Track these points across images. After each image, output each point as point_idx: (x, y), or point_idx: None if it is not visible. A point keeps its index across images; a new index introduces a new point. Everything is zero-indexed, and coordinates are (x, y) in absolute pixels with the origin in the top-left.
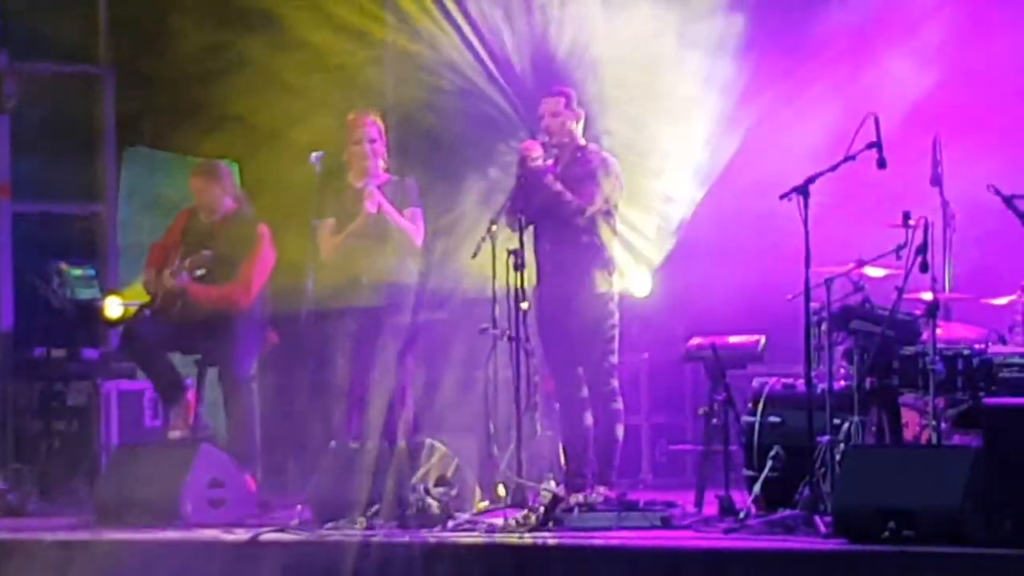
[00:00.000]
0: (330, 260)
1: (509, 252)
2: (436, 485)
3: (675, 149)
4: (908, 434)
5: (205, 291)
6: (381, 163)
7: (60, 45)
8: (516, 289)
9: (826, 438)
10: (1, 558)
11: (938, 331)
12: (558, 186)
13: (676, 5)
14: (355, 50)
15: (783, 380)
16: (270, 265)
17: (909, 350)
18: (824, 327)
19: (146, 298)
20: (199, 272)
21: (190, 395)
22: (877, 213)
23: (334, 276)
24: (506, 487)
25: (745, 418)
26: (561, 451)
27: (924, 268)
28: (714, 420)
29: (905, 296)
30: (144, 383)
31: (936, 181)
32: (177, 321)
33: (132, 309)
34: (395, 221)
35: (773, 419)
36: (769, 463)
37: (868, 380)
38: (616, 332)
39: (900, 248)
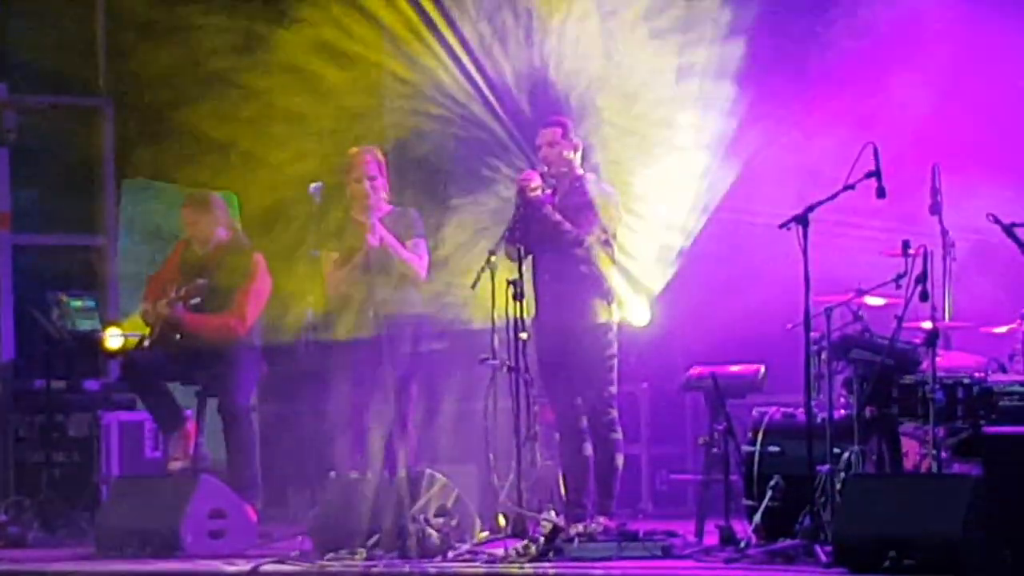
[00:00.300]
0: (333, 293)
1: (508, 282)
2: (436, 515)
3: (674, 178)
4: (908, 463)
5: (201, 320)
6: (383, 196)
7: (59, 77)
8: (515, 319)
9: (826, 467)
10: None
11: (938, 360)
12: (556, 216)
13: (676, 33)
14: (352, 77)
15: (783, 409)
16: (266, 294)
17: (909, 379)
18: (824, 356)
19: (145, 329)
20: (194, 301)
21: (190, 426)
22: (876, 242)
23: (336, 308)
24: (506, 517)
25: (745, 448)
26: (561, 481)
27: (924, 297)
28: (714, 449)
29: (905, 325)
30: (144, 414)
31: (935, 210)
32: (176, 351)
33: (132, 340)
34: (398, 253)
35: (773, 448)
36: (769, 492)
37: (868, 409)
38: (615, 362)
39: (900, 277)
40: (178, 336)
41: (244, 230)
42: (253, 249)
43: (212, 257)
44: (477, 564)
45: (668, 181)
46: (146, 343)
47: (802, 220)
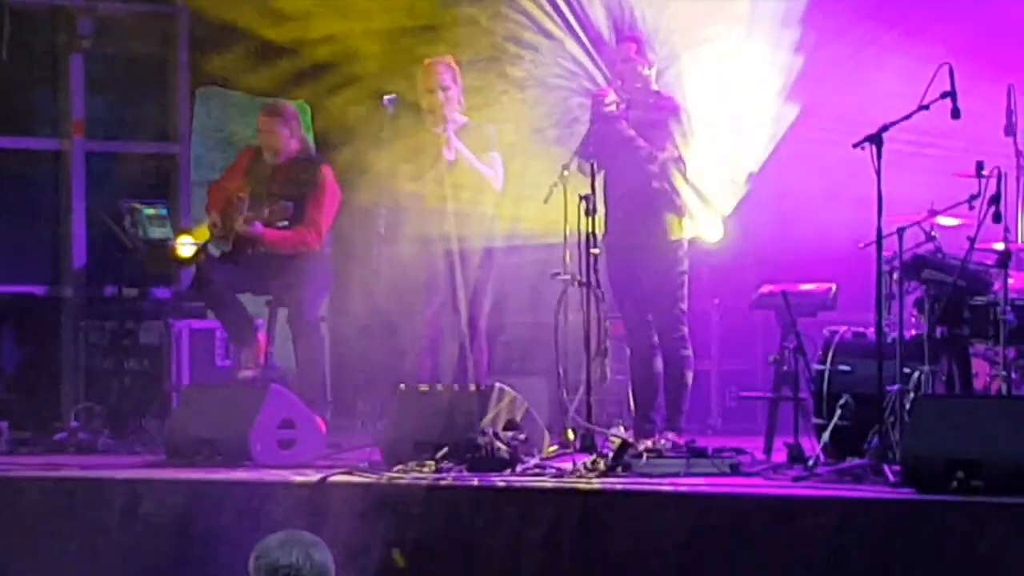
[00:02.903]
0: (407, 204)
1: (580, 197)
2: (506, 429)
3: (748, 98)
4: (978, 384)
5: (279, 236)
6: (457, 108)
7: None
8: (587, 234)
9: (896, 387)
10: (71, 495)
11: (1010, 281)
12: (630, 132)
13: None
14: None
15: (853, 329)
16: (336, 206)
17: (980, 300)
18: (895, 276)
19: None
20: (281, 224)
21: (260, 335)
22: (950, 163)
23: (410, 220)
24: (575, 432)
25: (815, 366)
26: (630, 396)
27: (997, 218)
28: (784, 367)
29: (977, 246)
30: (215, 323)
31: (1010, 131)
32: (248, 264)
33: (202, 248)
34: (473, 166)
35: (843, 368)
36: (838, 412)
37: (939, 330)
38: (686, 279)
39: (973, 198)
40: (249, 251)
41: (318, 140)
42: (321, 161)
43: (283, 168)
44: (545, 478)
45: (741, 101)
46: (215, 251)
47: (876, 139)
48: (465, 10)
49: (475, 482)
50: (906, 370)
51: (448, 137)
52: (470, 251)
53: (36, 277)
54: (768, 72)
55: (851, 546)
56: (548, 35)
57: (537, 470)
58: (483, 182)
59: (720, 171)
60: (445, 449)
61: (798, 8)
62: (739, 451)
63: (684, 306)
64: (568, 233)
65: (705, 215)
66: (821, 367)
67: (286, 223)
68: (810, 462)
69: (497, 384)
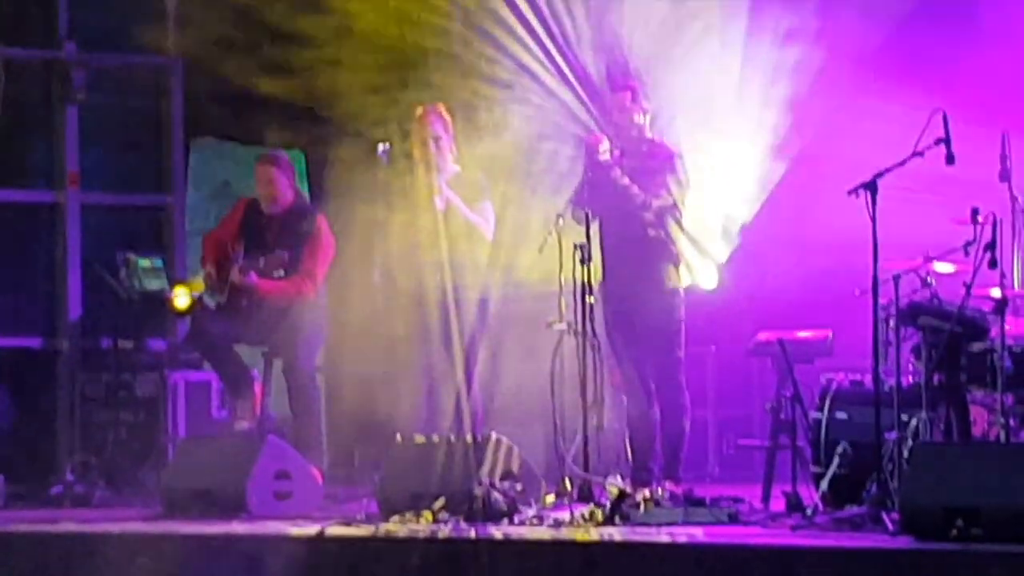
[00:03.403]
0: (400, 256)
1: (575, 246)
2: (502, 479)
3: (742, 144)
4: (976, 431)
5: (275, 286)
6: (450, 157)
7: (128, 37)
8: (583, 283)
9: (894, 435)
10: (69, 549)
11: (1007, 327)
12: (625, 180)
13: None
14: (421, 41)
15: (851, 376)
16: (331, 256)
17: (977, 346)
18: (892, 323)
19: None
20: (277, 273)
21: (256, 386)
22: (945, 209)
23: (403, 269)
24: (572, 481)
25: (812, 414)
26: (628, 445)
27: (993, 264)
28: (781, 415)
29: (974, 292)
30: (211, 374)
31: (1005, 176)
32: (242, 315)
33: (198, 299)
34: (465, 216)
35: (840, 415)
36: (836, 459)
37: (936, 376)
38: (683, 326)
39: (968, 244)
40: (244, 302)
41: (311, 189)
42: (316, 211)
43: (278, 219)
44: (543, 528)
45: (736, 148)
46: (211, 305)
47: (871, 187)
48: (459, 58)
49: (472, 533)
50: (904, 417)
51: (439, 187)
52: (465, 301)
53: (32, 330)
54: (759, 126)
55: None
56: (541, 83)
57: (535, 520)
58: (475, 232)
59: (714, 221)
60: (442, 500)
61: (789, 60)
62: (737, 500)
63: (681, 354)
64: (563, 282)
65: (701, 262)
66: (818, 415)
67: (282, 272)
68: (808, 511)
69: (493, 434)
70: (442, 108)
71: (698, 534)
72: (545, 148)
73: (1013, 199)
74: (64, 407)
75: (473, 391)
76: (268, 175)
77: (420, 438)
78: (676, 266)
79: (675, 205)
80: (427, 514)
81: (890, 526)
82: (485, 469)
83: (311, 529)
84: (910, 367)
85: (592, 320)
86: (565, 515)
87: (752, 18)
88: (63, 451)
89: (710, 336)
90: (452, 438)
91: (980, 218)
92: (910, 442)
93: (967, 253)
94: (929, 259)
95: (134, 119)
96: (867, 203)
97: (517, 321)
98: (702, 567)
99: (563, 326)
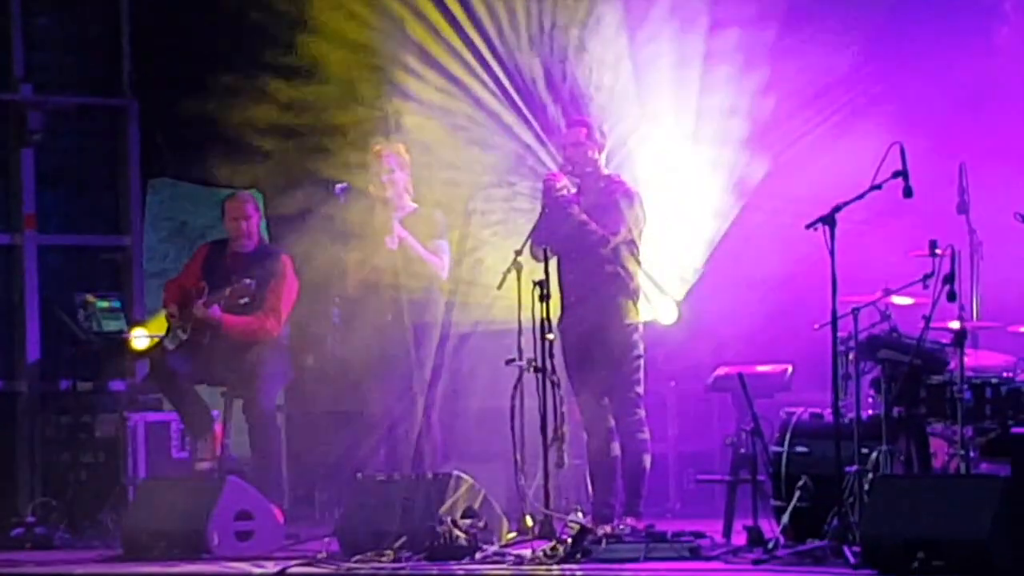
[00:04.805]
0: (356, 293)
1: (534, 283)
2: (464, 516)
3: (700, 179)
4: (937, 463)
5: (238, 321)
6: (406, 195)
7: (84, 78)
8: (542, 320)
9: (854, 468)
10: None
11: (966, 359)
12: (582, 216)
13: (698, 38)
14: (377, 81)
15: (811, 410)
16: (295, 295)
17: (937, 379)
18: (851, 356)
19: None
20: (243, 301)
21: (216, 427)
22: (904, 242)
23: (360, 308)
24: (533, 518)
25: (773, 448)
26: (588, 481)
27: (951, 297)
28: (742, 450)
29: (933, 325)
30: (171, 415)
31: (963, 209)
32: (204, 353)
33: (157, 340)
34: (419, 254)
35: (801, 449)
36: (797, 493)
37: (896, 409)
38: (642, 362)
39: (927, 277)
40: (206, 339)
41: (270, 229)
42: (280, 249)
43: (242, 259)
44: (505, 566)
45: (693, 183)
46: (169, 345)
47: (829, 220)
48: (416, 96)
49: (434, 571)
50: (864, 450)
51: (392, 225)
52: (424, 338)
53: None
54: (715, 162)
55: None
56: (499, 120)
57: (496, 558)
58: (431, 269)
59: (671, 256)
60: (403, 538)
61: (746, 94)
62: (698, 535)
63: (640, 389)
64: (522, 319)
65: (660, 298)
66: (779, 449)
67: (247, 300)
68: (770, 545)
69: (454, 471)
70: (400, 147)
71: (660, 570)
72: (503, 185)
73: (971, 231)
74: (24, 449)
75: (433, 429)
76: (244, 211)
77: (381, 476)
78: (635, 301)
79: (633, 241)
80: (389, 552)
81: (852, 559)
82: (446, 507)
83: (273, 569)
84: (870, 400)
85: (552, 357)
86: (527, 552)
87: (708, 54)
88: (23, 493)
89: (669, 371)
90: (413, 476)
91: (939, 251)
92: (870, 475)
93: (926, 286)
94: (888, 292)
95: (91, 160)
96: (826, 236)
97: (477, 358)
98: None
99: (523, 363)
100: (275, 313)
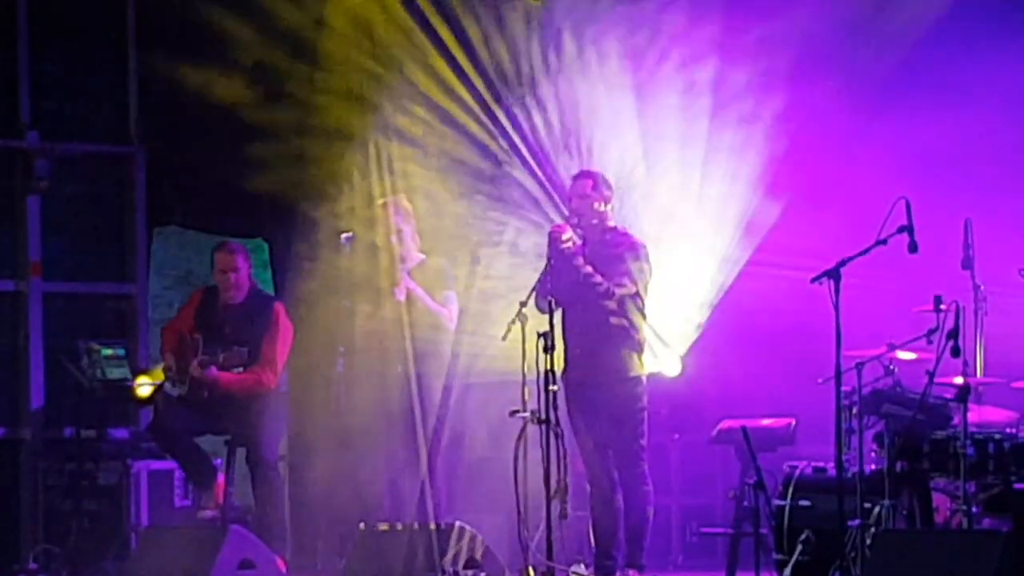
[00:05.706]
0: (363, 343)
1: (539, 334)
2: (466, 567)
3: (705, 233)
4: (939, 518)
5: (235, 379)
6: (413, 246)
7: (91, 125)
8: (546, 371)
9: (857, 522)
10: None
11: (969, 415)
12: (588, 268)
13: (705, 96)
14: (378, 127)
15: (814, 463)
16: (290, 343)
17: (940, 434)
18: (855, 411)
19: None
20: (236, 370)
21: (220, 476)
22: (908, 297)
23: (366, 358)
24: (536, 570)
25: (776, 501)
26: (591, 533)
27: (955, 353)
28: (745, 503)
29: (936, 380)
30: (174, 463)
31: (967, 264)
32: (205, 407)
33: (160, 387)
34: (427, 305)
35: (804, 503)
36: (800, 547)
37: (899, 464)
38: (645, 415)
39: (931, 332)
40: (205, 394)
41: (275, 278)
42: (273, 298)
43: (235, 308)
44: None
45: (698, 236)
46: (173, 393)
47: (834, 274)
48: (422, 146)
49: None
50: (867, 505)
51: (399, 277)
52: (428, 389)
53: None
54: (719, 221)
55: None
56: (504, 171)
57: None
58: (437, 320)
59: (674, 310)
60: None
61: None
62: None
63: (644, 442)
64: (527, 370)
65: (664, 350)
66: (782, 502)
67: (241, 369)
68: None
69: (457, 522)
70: (403, 199)
71: None
72: (509, 237)
73: (975, 287)
74: (27, 496)
75: (436, 479)
76: (231, 262)
77: (384, 526)
78: (639, 354)
79: (638, 293)
80: None
81: None
82: (449, 557)
83: None
84: (873, 454)
85: (555, 408)
86: None
87: (715, 103)
88: (26, 540)
89: (673, 424)
90: (416, 526)
91: (943, 306)
92: (873, 529)
93: (930, 341)
94: (892, 347)
95: (97, 208)
96: (831, 291)
97: (481, 409)
98: None
99: (527, 414)
100: (271, 365)
